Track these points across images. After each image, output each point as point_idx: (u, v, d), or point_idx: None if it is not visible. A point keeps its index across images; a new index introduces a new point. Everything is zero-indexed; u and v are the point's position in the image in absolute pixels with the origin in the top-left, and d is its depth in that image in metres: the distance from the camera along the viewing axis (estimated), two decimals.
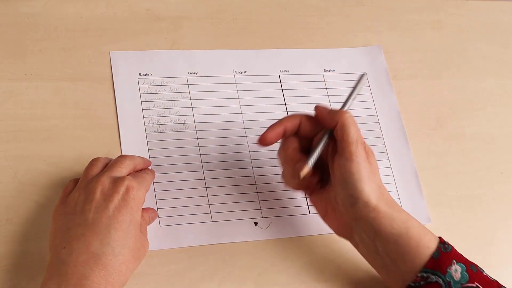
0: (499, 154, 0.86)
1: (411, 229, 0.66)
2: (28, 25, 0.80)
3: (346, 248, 0.74)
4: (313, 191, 0.72)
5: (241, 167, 0.77)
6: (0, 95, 0.75)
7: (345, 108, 0.72)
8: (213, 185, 0.76)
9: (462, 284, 0.66)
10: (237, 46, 0.86)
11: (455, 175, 0.83)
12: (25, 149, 0.73)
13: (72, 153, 0.74)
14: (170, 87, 0.80)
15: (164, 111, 0.79)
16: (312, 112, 0.71)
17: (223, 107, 0.80)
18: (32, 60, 0.78)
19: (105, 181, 0.65)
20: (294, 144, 0.70)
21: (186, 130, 0.78)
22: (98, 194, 0.64)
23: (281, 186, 0.77)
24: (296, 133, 0.71)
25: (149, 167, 0.74)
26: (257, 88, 0.80)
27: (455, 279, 0.66)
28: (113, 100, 0.78)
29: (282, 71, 0.85)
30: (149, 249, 0.69)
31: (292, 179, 0.71)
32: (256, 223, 0.75)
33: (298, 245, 0.74)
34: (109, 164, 0.69)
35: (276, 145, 0.72)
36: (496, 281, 0.68)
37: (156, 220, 0.72)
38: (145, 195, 0.68)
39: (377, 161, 0.70)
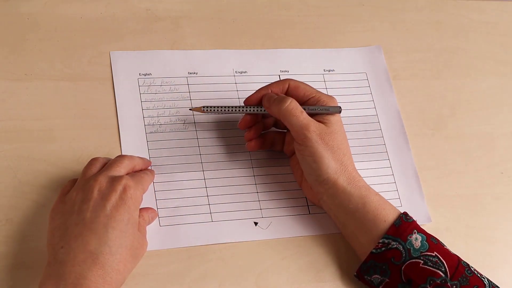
0: (499, 154, 0.86)
1: (368, 204, 0.71)
2: (28, 25, 0.80)
3: (346, 248, 0.74)
4: (290, 155, 0.77)
5: (241, 167, 0.77)
6: (0, 95, 0.75)
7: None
8: (213, 185, 0.76)
9: (421, 252, 0.69)
10: (237, 46, 0.86)
11: (455, 175, 0.83)
12: (25, 149, 0.73)
13: (72, 153, 0.74)
14: (170, 87, 0.80)
15: (164, 111, 0.79)
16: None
17: None
18: (32, 60, 0.78)
19: (102, 180, 0.65)
20: None
21: (186, 130, 0.78)
22: (95, 193, 0.64)
23: (281, 186, 0.77)
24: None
25: (149, 167, 0.74)
26: (257, 88, 0.80)
27: (415, 247, 0.69)
28: (113, 100, 0.78)
29: (282, 71, 0.85)
30: (149, 249, 0.69)
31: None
32: (256, 223, 0.75)
33: (298, 245, 0.74)
34: (107, 164, 0.69)
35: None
36: (457, 256, 0.70)
37: (156, 220, 0.72)
38: (142, 194, 0.68)
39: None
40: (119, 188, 0.65)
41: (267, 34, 0.88)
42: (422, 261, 0.68)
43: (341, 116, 0.76)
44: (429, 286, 0.67)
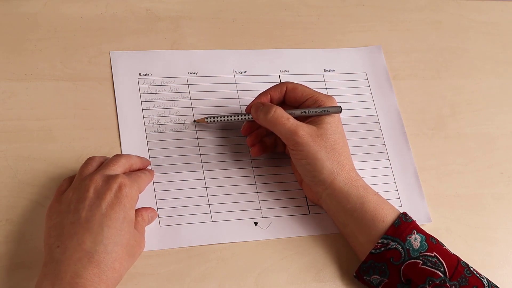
0: (499, 154, 0.86)
1: (367, 204, 0.71)
2: (28, 25, 0.80)
3: (346, 248, 0.74)
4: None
5: (241, 167, 0.77)
6: (0, 95, 0.75)
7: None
8: (213, 185, 0.76)
9: (421, 252, 0.69)
10: (237, 46, 0.86)
11: (455, 175, 0.83)
12: (25, 149, 0.73)
13: (72, 153, 0.74)
14: (170, 87, 0.80)
15: (164, 111, 0.79)
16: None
17: (223, 107, 0.80)
18: (32, 60, 0.78)
19: (98, 179, 0.65)
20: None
21: (186, 130, 0.78)
22: (91, 192, 0.64)
23: (281, 186, 0.77)
24: (284, 101, 0.77)
25: (149, 167, 0.74)
26: (257, 88, 0.80)
27: (414, 247, 0.69)
28: (113, 100, 0.78)
29: (282, 71, 0.85)
30: (149, 249, 0.69)
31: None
32: (256, 223, 0.75)
33: (298, 245, 0.74)
34: (104, 163, 0.69)
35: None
36: (456, 256, 0.70)
37: (156, 220, 0.72)
38: (138, 193, 0.68)
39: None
40: (115, 186, 0.65)
41: (267, 34, 0.88)
42: (421, 262, 0.68)
43: (341, 116, 0.76)
44: (428, 287, 0.67)
